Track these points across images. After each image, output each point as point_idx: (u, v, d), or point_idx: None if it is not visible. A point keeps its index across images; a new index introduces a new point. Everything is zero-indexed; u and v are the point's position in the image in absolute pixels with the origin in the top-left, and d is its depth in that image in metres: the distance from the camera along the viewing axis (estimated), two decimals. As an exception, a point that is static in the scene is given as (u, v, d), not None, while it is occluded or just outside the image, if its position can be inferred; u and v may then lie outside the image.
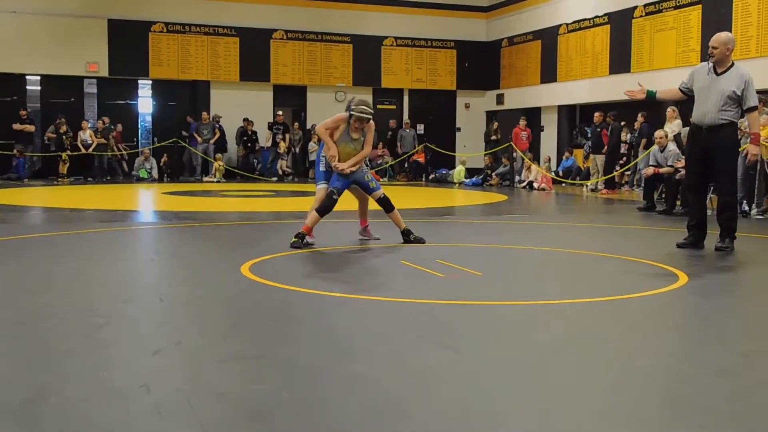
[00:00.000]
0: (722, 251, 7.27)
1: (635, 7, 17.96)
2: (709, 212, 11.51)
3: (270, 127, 21.37)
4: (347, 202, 8.29)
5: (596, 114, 17.12)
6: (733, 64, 7.26)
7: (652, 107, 15.94)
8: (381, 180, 21.25)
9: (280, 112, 21.36)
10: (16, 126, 19.28)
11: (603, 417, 2.93)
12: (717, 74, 7.23)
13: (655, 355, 3.81)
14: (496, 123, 21.96)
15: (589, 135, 17.87)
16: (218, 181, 19.74)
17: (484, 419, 2.88)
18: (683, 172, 11.61)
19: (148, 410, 2.88)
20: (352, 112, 7.44)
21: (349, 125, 7.55)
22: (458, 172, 20.89)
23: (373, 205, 7.96)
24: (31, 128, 19.45)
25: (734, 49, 7.35)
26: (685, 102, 15.58)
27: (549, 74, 21.20)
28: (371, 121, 7.60)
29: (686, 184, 8.42)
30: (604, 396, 3.19)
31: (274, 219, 10.83)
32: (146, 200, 15.09)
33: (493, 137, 21.40)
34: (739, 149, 7.49)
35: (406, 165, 22.42)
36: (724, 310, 5.03)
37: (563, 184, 18.70)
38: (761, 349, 3.97)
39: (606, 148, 16.81)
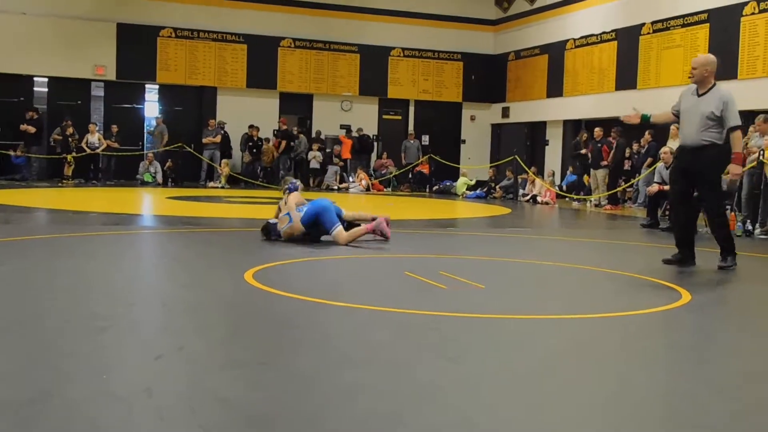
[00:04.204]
0: (725, 270, 7.27)
1: (643, 24, 18.01)
2: (704, 230, 11.56)
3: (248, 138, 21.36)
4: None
5: (596, 129, 17.13)
6: (714, 85, 7.24)
7: (657, 125, 15.98)
8: (385, 190, 21.29)
9: (252, 125, 21.22)
10: (22, 127, 19.37)
11: (603, 433, 2.93)
12: (699, 95, 7.25)
13: (656, 373, 3.81)
14: (584, 133, 18.64)
15: (583, 150, 17.92)
16: (222, 187, 19.78)
17: (484, 432, 2.88)
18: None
19: (150, 414, 2.89)
20: (296, 187, 8.72)
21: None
22: (462, 183, 20.90)
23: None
24: (31, 130, 19.47)
25: (715, 71, 7.28)
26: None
27: (555, 89, 21.24)
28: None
29: (670, 201, 8.42)
30: (603, 412, 3.19)
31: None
32: (150, 204, 15.11)
33: (583, 150, 18.30)
34: (724, 170, 7.45)
35: (410, 176, 22.45)
36: (727, 329, 5.02)
37: (567, 199, 18.70)
38: (763, 369, 3.97)
39: (606, 163, 16.81)
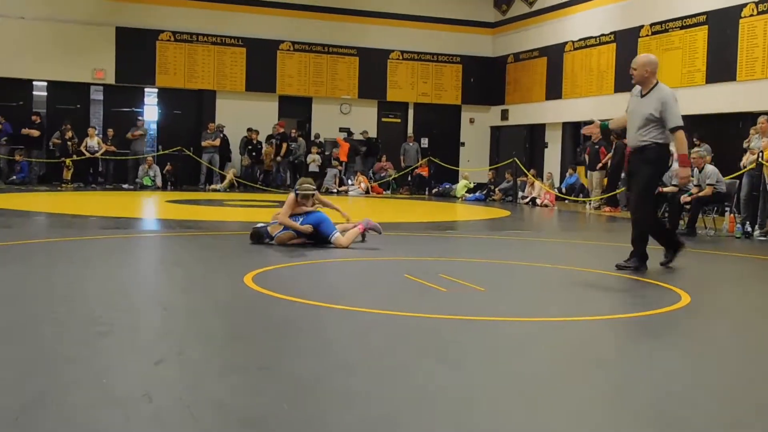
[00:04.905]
0: (622, 269, 7.12)
1: (641, 26, 18.02)
2: (711, 232, 11.55)
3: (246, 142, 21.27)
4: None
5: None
6: (656, 85, 7.16)
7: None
8: (384, 193, 21.30)
9: (251, 128, 21.17)
10: (24, 130, 19.37)
11: (604, 437, 2.92)
12: (642, 96, 7.21)
13: (656, 376, 3.80)
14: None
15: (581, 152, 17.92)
16: (223, 190, 19.77)
17: (484, 436, 2.87)
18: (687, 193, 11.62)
19: (150, 419, 2.88)
20: (297, 192, 8.33)
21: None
22: (462, 186, 20.91)
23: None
24: (35, 133, 19.51)
25: (657, 71, 7.22)
26: (689, 121, 15.62)
27: (554, 91, 21.24)
28: (315, 195, 8.48)
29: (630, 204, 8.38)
30: (603, 416, 3.18)
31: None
32: (150, 208, 15.11)
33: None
34: (663, 169, 7.34)
35: (409, 178, 22.46)
36: (726, 331, 5.01)
37: (566, 201, 18.70)
38: (763, 372, 3.96)
39: (601, 165, 16.79)
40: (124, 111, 21.41)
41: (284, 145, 21.10)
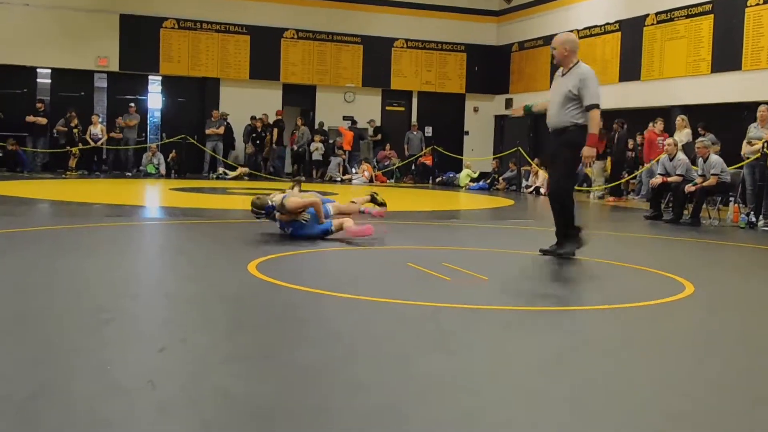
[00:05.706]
0: (563, 257, 7.02)
1: (647, 15, 17.94)
2: (716, 222, 11.52)
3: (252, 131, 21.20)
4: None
5: None
6: (576, 64, 7.07)
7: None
8: (388, 182, 21.28)
9: (255, 116, 21.07)
10: (30, 118, 19.35)
11: (602, 430, 2.92)
12: (562, 76, 7.14)
13: (659, 367, 3.80)
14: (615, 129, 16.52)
15: None
16: (227, 178, 19.76)
17: (485, 426, 2.88)
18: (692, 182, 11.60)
19: (153, 407, 2.89)
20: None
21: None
22: (465, 175, 20.88)
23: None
24: (42, 121, 19.51)
25: (577, 50, 7.16)
26: (694, 111, 15.53)
27: (558, 80, 21.17)
28: (283, 205, 7.73)
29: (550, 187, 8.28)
30: (603, 408, 3.18)
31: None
32: (153, 196, 15.12)
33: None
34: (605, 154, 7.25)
35: (413, 167, 22.44)
36: (729, 322, 5.00)
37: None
38: (765, 364, 3.96)
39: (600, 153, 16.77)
40: (128, 98, 21.39)
41: (275, 131, 21.06)
